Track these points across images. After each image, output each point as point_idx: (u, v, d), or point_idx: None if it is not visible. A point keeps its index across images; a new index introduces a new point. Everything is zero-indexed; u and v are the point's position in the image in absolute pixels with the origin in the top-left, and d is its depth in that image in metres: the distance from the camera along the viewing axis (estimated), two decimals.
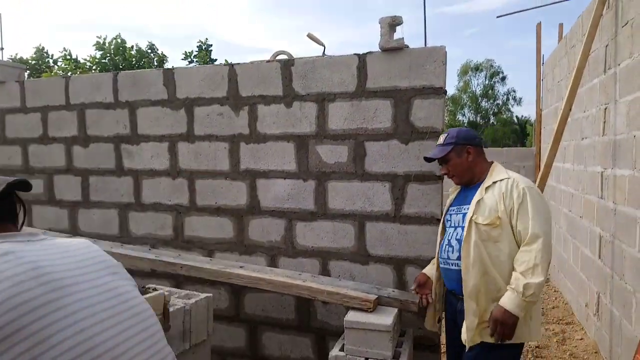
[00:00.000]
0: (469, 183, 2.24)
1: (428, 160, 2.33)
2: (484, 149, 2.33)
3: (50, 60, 13.13)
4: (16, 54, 13.57)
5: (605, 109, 3.69)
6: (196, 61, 12.78)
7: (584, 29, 4.20)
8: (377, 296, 2.49)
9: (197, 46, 12.95)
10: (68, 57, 12.37)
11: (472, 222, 2.07)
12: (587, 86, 4.26)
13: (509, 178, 2.09)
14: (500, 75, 32.65)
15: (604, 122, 3.72)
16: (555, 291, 5.68)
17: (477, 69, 32.57)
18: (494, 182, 2.11)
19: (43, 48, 12.89)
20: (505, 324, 1.92)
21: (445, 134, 2.26)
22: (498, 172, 2.16)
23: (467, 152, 2.19)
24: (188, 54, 12.78)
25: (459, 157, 2.19)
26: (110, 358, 0.90)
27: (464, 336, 2.07)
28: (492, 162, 2.26)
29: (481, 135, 30.65)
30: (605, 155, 3.68)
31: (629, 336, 3.04)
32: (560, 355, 3.92)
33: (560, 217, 5.60)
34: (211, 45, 12.96)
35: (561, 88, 5.52)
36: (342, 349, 2.34)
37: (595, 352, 3.88)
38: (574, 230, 4.84)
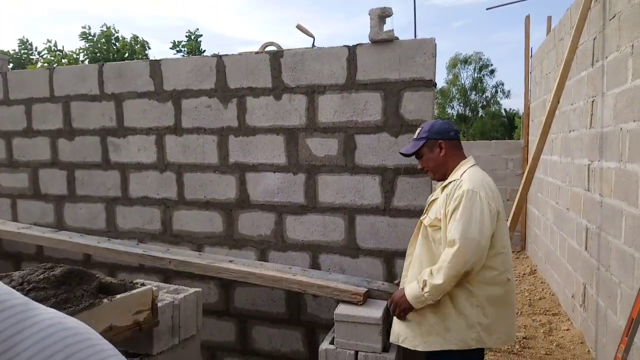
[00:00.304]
0: (443, 178, 2.15)
1: (404, 155, 2.24)
2: (462, 141, 2.29)
3: (35, 53, 12.82)
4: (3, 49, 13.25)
5: (593, 101, 3.72)
6: (185, 50, 12.55)
7: (572, 22, 4.22)
8: (367, 289, 2.49)
9: (186, 36, 12.67)
10: (53, 48, 12.07)
11: (421, 222, 2.12)
12: (575, 79, 4.28)
13: (458, 179, 2.01)
14: (489, 68, 32.76)
15: (592, 114, 3.75)
16: (542, 282, 5.75)
17: (465, 61, 32.64)
18: (450, 182, 2.05)
19: (27, 40, 12.57)
20: (397, 305, 2.06)
21: (420, 128, 2.19)
22: (458, 171, 2.07)
23: (440, 147, 2.10)
24: (177, 43, 12.54)
25: (431, 151, 2.12)
26: None
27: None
28: (464, 158, 2.15)
29: (469, 128, 30.83)
30: (592, 147, 3.72)
31: (614, 326, 3.10)
32: (547, 345, 3.98)
33: (547, 209, 5.66)
34: (201, 35, 12.70)
35: (549, 81, 5.56)
36: (332, 342, 2.34)
37: (581, 343, 3.95)
38: (560, 222, 4.90)
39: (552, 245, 5.32)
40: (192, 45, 12.46)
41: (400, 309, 2.05)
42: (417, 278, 2.02)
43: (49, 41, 12.25)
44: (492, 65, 32.73)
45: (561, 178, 4.91)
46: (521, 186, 3.79)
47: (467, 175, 2.01)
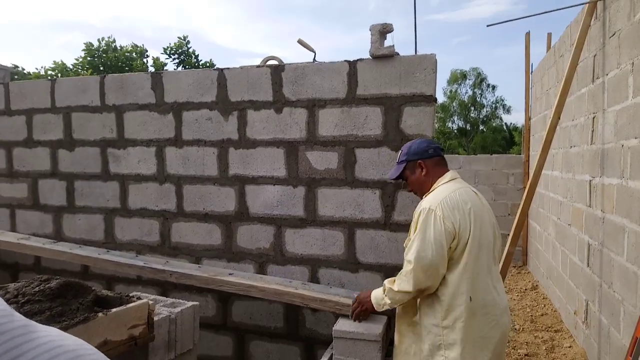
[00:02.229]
0: None
1: (391, 180, 2.26)
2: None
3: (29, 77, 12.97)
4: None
5: (594, 117, 3.72)
6: (173, 52, 12.84)
7: (572, 39, 4.25)
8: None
9: (178, 37, 13.11)
10: (60, 66, 12.25)
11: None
12: (576, 95, 4.29)
13: (422, 200, 2.02)
14: (486, 83, 32.88)
15: (592, 130, 3.75)
16: (544, 298, 5.69)
17: (464, 76, 32.81)
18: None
19: (16, 66, 12.70)
20: (360, 304, 2.24)
21: (400, 151, 2.18)
22: (431, 189, 2.04)
23: (420, 167, 2.08)
24: (168, 48, 12.81)
25: (413, 173, 2.10)
26: None
27: None
28: (445, 173, 2.09)
29: (470, 142, 30.88)
30: (593, 163, 3.71)
31: (617, 345, 3.05)
32: None
33: (549, 225, 5.63)
34: (187, 36, 13.13)
35: (550, 96, 5.57)
36: (330, 359, 2.31)
37: None
38: (562, 238, 4.87)
39: (554, 260, 5.28)
40: (182, 44, 12.75)
41: (362, 308, 2.23)
42: (404, 307, 2.06)
43: (55, 62, 12.42)
44: (487, 80, 32.83)
45: (562, 193, 4.89)
46: (522, 201, 3.77)
47: (432, 193, 2.00)
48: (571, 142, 4.52)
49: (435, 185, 2.03)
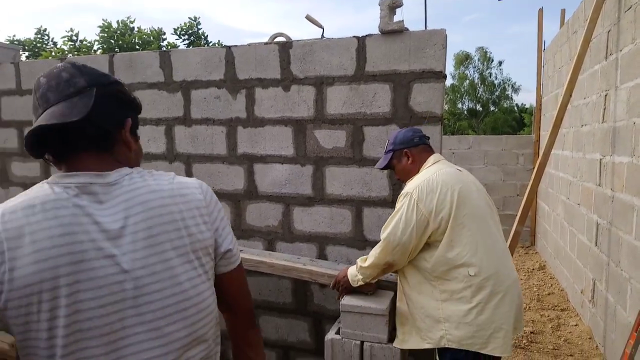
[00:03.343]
0: None
1: (380, 169, 2.36)
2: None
3: (51, 43, 13.01)
4: (13, 36, 13.43)
5: (606, 95, 3.66)
6: (185, 37, 12.87)
7: (586, 14, 4.15)
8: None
9: (188, 18, 13.11)
10: (74, 37, 12.24)
11: None
12: (588, 72, 4.22)
13: (405, 185, 2.14)
14: (490, 58, 32.24)
15: (604, 108, 3.70)
16: (551, 278, 5.71)
17: (467, 57, 32.23)
18: None
19: (45, 30, 12.72)
20: (338, 282, 2.37)
21: (387, 141, 2.27)
22: (412, 180, 2.12)
23: (407, 156, 2.17)
24: (181, 29, 12.81)
25: (399, 162, 2.19)
26: None
27: None
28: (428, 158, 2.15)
29: (480, 123, 30.53)
30: (604, 142, 3.67)
31: (623, 322, 3.07)
32: (554, 340, 3.97)
33: (558, 205, 5.61)
34: (198, 17, 13.14)
35: (562, 75, 5.48)
36: (337, 332, 2.35)
37: (590, 338, 3.92)
38: (571, 218, 4.85)
39: (562, 240, 5.28)
40: (192, 24, 12.79)
41: (342, 286, 2.35)
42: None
43: (71, 30, 12.42)
44: (492, 60, 32.17)
45: (572, 173, 4.86)
46: (531, 180, 3.76)
47: (414, 178, 2.08)
48: (582, 120, 4.46)
49: (419, 171, 2.11)
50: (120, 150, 1.00)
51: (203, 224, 0.97)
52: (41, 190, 0.90)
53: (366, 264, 2.15)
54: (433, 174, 2.00)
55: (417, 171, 2.13)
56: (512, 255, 3.56)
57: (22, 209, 0.85)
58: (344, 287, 2.35)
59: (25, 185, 3.74)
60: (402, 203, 2.00)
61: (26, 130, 3.64)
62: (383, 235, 2.04)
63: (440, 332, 1.93)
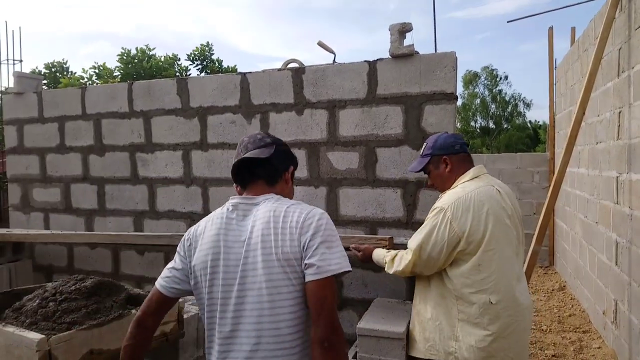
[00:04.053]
0: None
1: (413, 171, 2.23)
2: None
3: (66, 71, 13.50)
4: (36, 67, 13.96)
5: (620, 112, 3.64)
6: (197, 62, 13.21)
7: (596, 33, 4.17)
8: (391, 237, 2.57)
9: (201, 45, 13.47)
10: (101, 67, 12.73)
11: None
12: (601, 90, 4.21)
13: (441, 196, 2.04)
14: (495, 74, 32.27)
15: (619, 126, 3.68)
16: (571, 298, 5.58)
17: (476, 76, 32.32)
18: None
19: (54, 62, 13.24)
20: (361, 250, 2.36)
21: (425, 144, 2.13)
22: (447, 193, 2.01)
23: (445, 163, 2.04)
24: (194, 54, 13.18)
25: (436, 168, 2.06)
26: None
27: None
28: (468, 170, 2.05)
29: (493, 141, 30.37)
30: (620, 159, 3.64)
31: None
32: None
33: (576, 223, 5.52)
34: (211, 43, 13.54)
35: (574, 92, 5.47)
36: (355, 357, 2.34)
37: None
38: (589, 237, 4.77)
39: (582, 260, 5.18)
40: (204, 49, 13.18)
41: (364, 254, 2.34)
42: (419, 298, 2.10)
43: (96, 63, 13.02)
44: (499, 76, 32.21)
45: (589, 191, 4.80)
46: (547, 199, 3.72)
47: (449, 192, 1.98)
48: (597, 138, 4.43)
49: (456, 183, 2.01)
50: (280, 186, 1.47)
51: (290, 240, 1.29)
52: (221, 207, 1.44)
53: (393, 269, 2.10)
54: (471, 192, 1.89)
55: (454, 180, 2.02)
56: (530, 275, 3.50)
57: (205, 220, 1.42)
58: (364, 256, 2.34)
59: (46, 210, 3.83)
60: (435, 218, 1.90)
61: (48, 157, 3.76)
62: (411, 246, 1.97)
63: (451, 349, 1.91)
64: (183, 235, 1.45)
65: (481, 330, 1.85)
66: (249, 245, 1.31)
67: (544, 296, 5.81)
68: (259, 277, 1.28)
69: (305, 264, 1.28)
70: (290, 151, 1.54)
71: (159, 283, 1.41)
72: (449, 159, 2.03)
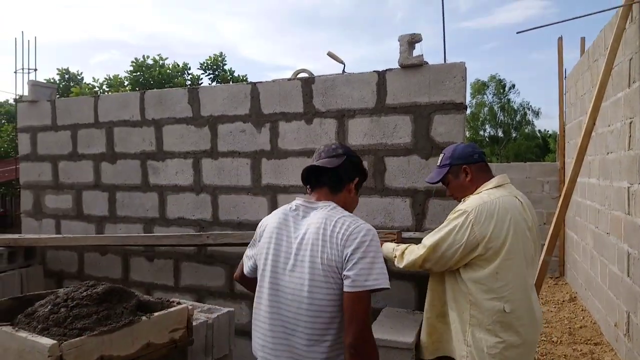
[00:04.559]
0: None
1: (430, 183, 2.22)
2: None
3: (78, 78, 13.77)
4: (51, 78, 14.25)
5: (631, 122, 3.62)
6: (209, 72, 13.47)
7: (606, 43, 4.16)
8: (399, 230, 2.57)
9: (214, 55, 13.79)
10: (111, 77, 13.02)
11: None
12: (612, 100, 4.19)
13: (462, 201, 2.01)
14: (502, 84, 32.13)
15: (630, 136, 3.66)
16: (582, 310, 5.51)
17: (484, 85, 32.21)
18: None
19: (67, 69, 13.53)
20: None
21: (442, 154, 2.13)
22: (471, 197, 1.98)
23: (465, 172, 2.03)
24: (206, 64, 13.43)
25: (456, 178, 2.06)
26: None
27: None
28: (489, 179, 2.04)
29: (502, 150, 30.20)
30: (631, 169, 3.61)
31: None
32: None
33: (587, 234, 5.46)
34: (224, 53, 13.82)
35: (584, 102, 5.45)
36: None
37: None
38: (601, 247, 4.72)
39: (593, 271, 5.11)
40: (217, 59, 13.48)
41: None
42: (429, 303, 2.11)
43: (108, 76, 13.44)
44: (505, 84, 32.10)
45: (600, 201, 4.76)
46: (558, 209, 3.70)
47: (474, 196, 1.96)
48: (608, 148, 4.40)
49: (480, 189, 2.00)
50: (343, 195, 1.59)
51: (335, 250, 1.41)
52: (288, 204, 1.61)
53: (403, 262, 2.09)
54: (496, 199, 1.88)
55: (474, 190, 2.01)
56: (540, 285, 3.47)
57: (274, 212, 1.63)
58: None
59: (57, 216, 3.88)
60: (457, 219, 1.89)
61: (60, 164, 3.81)
62: (427, 242, 1.96)
63: (462, 353, 1.91)
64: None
65: (493, 337, 1.85)
66: (301, 244, 1.46)
67: (555, 307, 5.74)
68: (305, 274, 1.42)
69: (344, 275, 1.39)
70: (360, 163, 1.65)
71: (244, 269, 1.68)
72: (469, 168, 2.03)
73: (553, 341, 4.58)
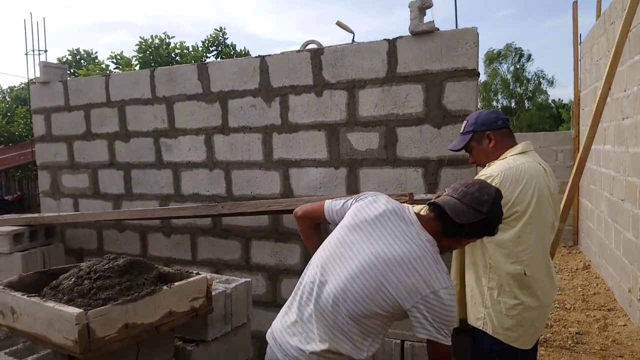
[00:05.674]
0: None
1: (453, 150, 2.21)
2: (511, 131, 2.16)
3: (89, 58, 13.85)
4: (62, 57, 14.30)
5: None
6: (213, 49, 13.50)
7: (624, 4, 4.03)
8: (411, 192, 2.59)
9: (214, 30, 13.83)
10: (118, 56, 13.03)
11: None
12: (628, 64, 4.09)
13: (486, 167, 2.01)
14: (520, 53, 31.27)
15: None
16: (596, 277, 5.52)
17: (498, 55, 31.39)
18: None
19: (78, 49, 13.57)
20: None
21: (466, 121, 2.12)
22: (496, 162, 1.99)
23: (489, 138, 2.02)
24: (208, 40, 13.43)
25: (480, 144, 2.05)
26: None
27: None
28: (513, 146, 2.04)
29: (515, 120, 29.73)
30: None
31: None
32: (602, 341, 3.84)
33: (601, 201, 5.42)
34: (224, 28, 13.86)
35: (600, 67, 5.32)
36: None
37: None
38: (615, 214, 4.69)
39: (607, 238, 5.10)
40: (218, 35, 13.49)
41: None
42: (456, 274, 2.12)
43: (113, 52, 13.57)
44: (523, 53, 31.22)
45: (615, 168, 4.70)
46: (572, 176, 3.67)
47: (499, 162, 1.96)
48: (623, 113, 4.32)
49: (505, 155, 2.00)
50: (449, 242, 1.53)
51: (398, 289, 1.42)
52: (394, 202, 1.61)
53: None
54: (522, 165, 1.89)
55: (498, 156, 2.01)
56: (553, 253, 3.47)
57: (365, 198, 1.63)
58: None
59: (75, 196, 3.96)
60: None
61: (75, 144, 3.87)
62: None
63: (480, 315, 1.96)
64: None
65: (512, 299, 1.89)
66: (378, 251, 1.44)
67: (568, 275, 5.76)
68: (369, 279, 1.42)
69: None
70: (491, 228, 1.50)
71: (332, 208, 1.68)
72: (493, 134, 2.02)
73: (566, 308, 4.61)
